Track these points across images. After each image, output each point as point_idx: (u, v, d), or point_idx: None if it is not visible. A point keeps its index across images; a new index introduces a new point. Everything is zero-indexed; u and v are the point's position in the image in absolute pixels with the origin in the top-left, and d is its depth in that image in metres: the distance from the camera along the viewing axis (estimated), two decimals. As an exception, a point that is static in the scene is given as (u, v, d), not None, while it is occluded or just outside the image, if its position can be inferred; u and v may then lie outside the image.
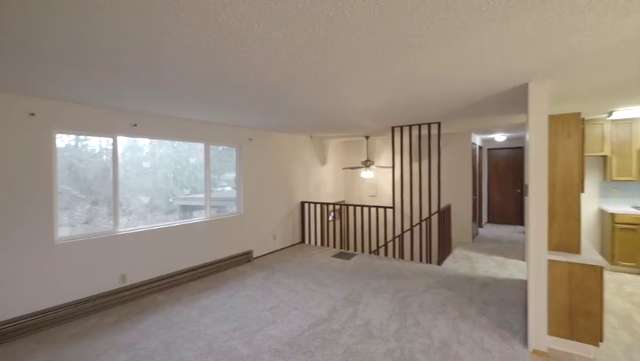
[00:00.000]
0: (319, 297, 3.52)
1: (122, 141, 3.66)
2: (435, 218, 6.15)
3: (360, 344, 2.58)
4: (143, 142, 3.97)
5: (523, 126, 5.11)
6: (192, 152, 4.50)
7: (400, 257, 5.16)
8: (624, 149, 4.34)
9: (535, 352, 2.48)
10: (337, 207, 6.94)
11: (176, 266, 4.03)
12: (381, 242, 6.94)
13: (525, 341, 2.58)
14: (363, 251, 5.63)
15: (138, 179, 3.90)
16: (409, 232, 6.58)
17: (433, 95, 2.94)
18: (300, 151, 6.29)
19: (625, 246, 4.21)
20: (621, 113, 3.97)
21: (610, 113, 4.05)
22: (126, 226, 3.69)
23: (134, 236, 3.63)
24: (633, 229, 4.15)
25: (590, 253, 2.55)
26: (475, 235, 6.43)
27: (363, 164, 6.67)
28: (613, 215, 4.28)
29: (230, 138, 4.78)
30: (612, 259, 4.28)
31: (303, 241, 6.16)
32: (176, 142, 4.27)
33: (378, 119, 4.27)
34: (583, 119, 2.83)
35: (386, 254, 5.44)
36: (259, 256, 5.22)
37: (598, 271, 2.41)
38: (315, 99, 3.02)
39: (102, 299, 3.31)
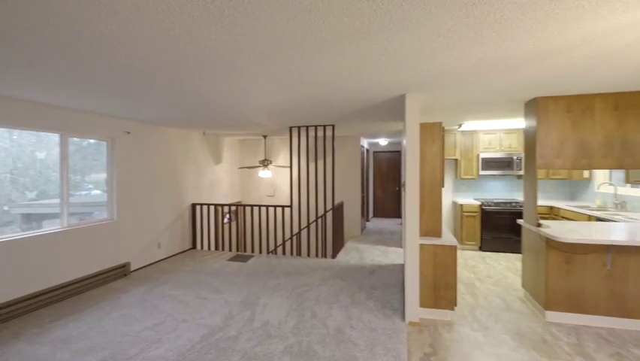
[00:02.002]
0: (213, 305, 3.27)
1: None
2: (329, 215, 6.55)
3: (258, 347, 2.50)
4: (-41, 127, 2.91)
5: (401, 132, 5.95)
6: (41, 145, 3.55)
7: (297, 254, 5.28)
8: (469, 154, 5.54)
9: (410, 323, 2.90)
10: (233, 208, 6.63)
11: (14, 293, 3.10)
12: (280, 241, 6.98)
13: (403, 316, 2.98)
14: (261, 252, 5.53)
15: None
16: (305, 230, 6.82)
17: (328, 98, 3.10)
18: (192, 148, 5.74)
19: (469, 229, 5.38)
20: (467, 125, 5.05)
21: (460, 125, 5.10)
22: None
23: (-58, 256, 2.62)
24: (474, 216, 5.35)
25: (448, 237, 3.13)
26: (363, 228, 7.14)
27: (261, 163, 6.57)
28: (461, 205, 5.42)
29: (99, 129, 3.97)
30: (461, 240, 5.41)
31: (194, 246, 5.64)
32: (15, 132, 3.29)
33: (277, 117, 4.27)
34: (443, 128, 3.46)
35: (284, 253, 5.49)
36: (139, 268, 4.52)
37: (453, 250, 2.98)
38: (210, 90, 2.79)
39: None
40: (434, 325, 2.90)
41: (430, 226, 3.13)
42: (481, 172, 5.43)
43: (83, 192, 4.02)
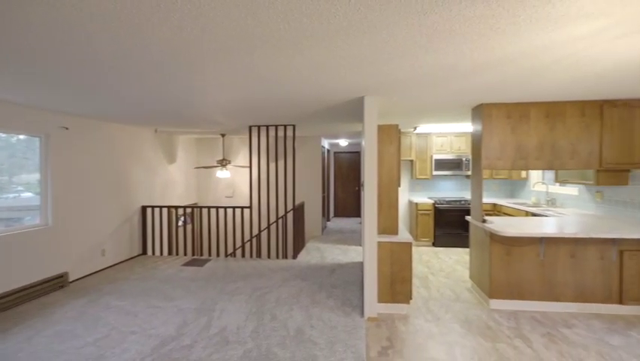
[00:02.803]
0: (165, 313, 3.09)
1: None
2: (290, 215, 6.52)
3: (214, 354, 2.40)
4: None
5: (360, 134, 6.10)
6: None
7: (257, 256, 5.18)
8: (423, 155, 5.85)
9: (369, 319, 2.98)
10: (189, 210, 6.32)
11: None
12: (239, 243, 6.80)
13: (362, 312, 3.06)
14: (218, 255, 5.34)
15: None
16: (266, 231, 6.71)
17: (288, 97, 3.08)
18: (142, 147, 5.37)
19: (423, 226, 5.67)
20: (422, 128, 5.32)
21: (415, 128, 5.36)
22: None
23: None
24: (428, 214, 5.66)
25: (404, 234, 3.27)
26: (324, 228, 7.20)
27: (219, 163, 6.34)
28: (417, 204, 5.70)
29: (30, 123, 3.54)
30: (416, 237, 5.69)
31: (144, 252, 5.28)
32: None
33: (236, 116, 4.15)
34: (399, 130, 3.61)
35: (243, 255, 5.36)
36: (80, 278, 4.12)
37: (409, 246, 3.12)
38: (161, 85, 2.63)
39: None
40: (391, 319, 3.02)
41: (388, 223, 3.24)
42: (435, 172, 5.76)
43: (11, 195, 3.56)
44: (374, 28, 1.64)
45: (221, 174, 6.35)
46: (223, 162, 6.33)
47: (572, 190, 4.43)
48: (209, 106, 3.48)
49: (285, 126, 5.01)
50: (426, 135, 5.81)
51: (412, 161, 5.98)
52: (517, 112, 3.35)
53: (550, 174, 4.96)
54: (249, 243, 6.72)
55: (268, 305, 3.23)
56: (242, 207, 5.12)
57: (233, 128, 5.41)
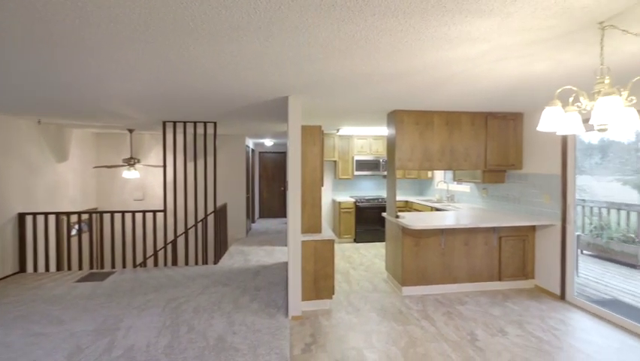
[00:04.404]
0: (52, 340, 2.58)
1: None
2: (211, 218, 6.13)
3: (120, 379, 2.11)
4: None
5: (286, 134, 6.09)
6: None
7: (173, 264, 4.75)
8: (346, 156, 6.15)
9: (293, 318, 3.00)
10: (85, 216, 5.42)
11: None
12: (150, 252, 6.11)
13: (287, 312, 3.05)
14: (125, 266, 4.73)
15: None
16: (183, 236, 6.18)
17: (208, 92, 2.89)
18: (18, 141, 4.41)
19: (346, 224, 5.97)
20: (344, 130, 5.59)
21: (338, 130, 5.60)
22: None
23: None
24: (349, 212, 5.97)
25: (327, 232, 3.38)
26: (248, 230, 6.99)
27: (125, 162, 5.60)
28: (339, 203, 5.97)
29: None
30: (339, 234, 5.95)
31: (23, 269, 4.34)
32: None
33: (147, 109, 3.72)
34: (323, 131, 3.71)
35: (156, 264, 4.84)
36: None
37: (331, 243, 3.24)
38: (49, 68, 2.18)
39: None
40: (315, 315, 3.09)
41: (312, 222, 3.31)
42: (356, 173, 6.11)
43: None
44: (296, 29, 1.64)
45: (129, 174, 5.63)
46: (131, 161, 5.61)
47: (465, 188, 5.19)
48: (113, 97, 3.04)
49: (205, 123, 4.70)
50: (348, 137, 6.12)
51: (335, 161, 6.23)
52: (424, 119, 3.77)
53: (449, 174, 5.73)
54: (162, 250, 6.10)
55: (185, 316, 2.98)
56: (154, 211, 4.63)
57: (143, 123, 4.84)
